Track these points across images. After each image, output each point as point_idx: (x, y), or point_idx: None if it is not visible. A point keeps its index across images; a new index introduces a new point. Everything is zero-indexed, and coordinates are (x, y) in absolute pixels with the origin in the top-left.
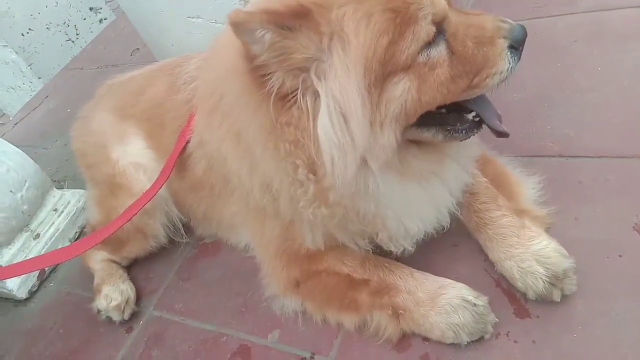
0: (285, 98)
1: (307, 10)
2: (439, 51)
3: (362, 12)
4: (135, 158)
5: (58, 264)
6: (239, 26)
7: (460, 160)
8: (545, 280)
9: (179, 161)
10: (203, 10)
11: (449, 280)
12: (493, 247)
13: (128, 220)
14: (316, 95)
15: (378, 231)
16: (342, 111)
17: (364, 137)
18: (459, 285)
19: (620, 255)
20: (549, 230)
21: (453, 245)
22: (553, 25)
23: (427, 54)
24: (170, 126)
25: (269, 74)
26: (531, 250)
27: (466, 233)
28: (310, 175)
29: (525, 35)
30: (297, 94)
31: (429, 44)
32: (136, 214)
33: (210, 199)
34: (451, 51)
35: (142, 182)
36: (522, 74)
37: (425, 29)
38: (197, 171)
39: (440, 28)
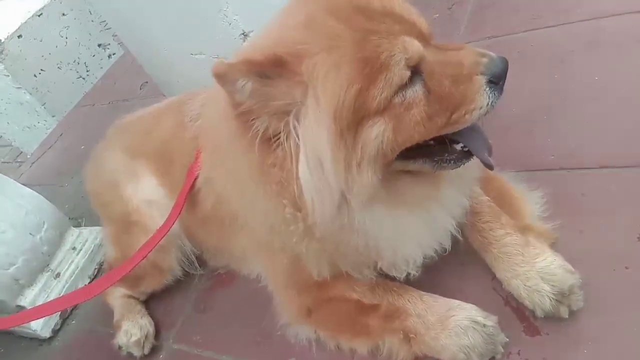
0: (270, 140)
1: (283, 60)
2: (415, 91)
3: (330, 62)
4: (148, 195)
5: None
6: (221, 77)
7: (459, 183)
8: (552, 297)
9: (189, 197)
10: (205, 46)
11: (457, 302)
12: (499, 266)
13: (144, 258)
14: (297, 138)
15: (376, 260)
16: (317, 155)
17: (339, 180)
18: (468, 306)
19: (626, 267)
20: (554, 244)
21: (461, 264)
22: (550, 36)
23: (403, 95)
24: (179, 163)
25: (253, 119)
26: (536, 268)
27: (473, 252)
28: (297, 213)
29: (504, 69)
30: (280, 136)
31: (404, 86)
32: (152, 250)
33: (221, 232)
34: (428, 90)
35: (155, 218)
36: (520, 87)
37: (399, 74)
38: (207, 206)
39: (416, 70)
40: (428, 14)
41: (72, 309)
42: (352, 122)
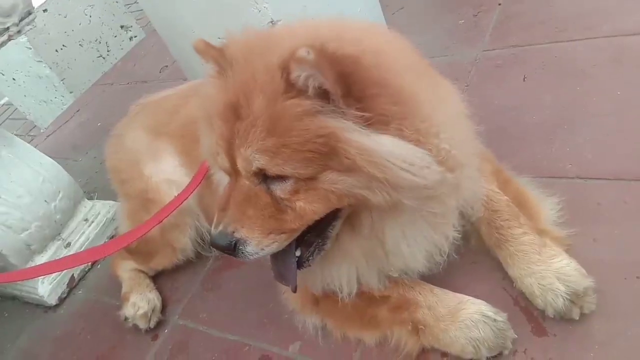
0: None
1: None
2: None
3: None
4: (168, 175)
5: (94, 263)
6: (199, 53)
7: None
8: (566, 297)
9: (209, 176)
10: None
11: (468, 297)
12: (514, 263)
13: (159, 222)
14: None
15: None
16: None
17: None
18: (478, 301)
19: (638, 277)
20: (568, 251)
21: (472, 263)
22: (573, 49)
23: None
24: None
25: None
26: (552, 268)
27: (484, 251)
28: None
29: (212, 245)
30: None
31: None
32: (169, 215)
33: None
34: None
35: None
36: (542, 97)
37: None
38: None
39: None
40: (453, 19)
41: (80, 279)
42: None
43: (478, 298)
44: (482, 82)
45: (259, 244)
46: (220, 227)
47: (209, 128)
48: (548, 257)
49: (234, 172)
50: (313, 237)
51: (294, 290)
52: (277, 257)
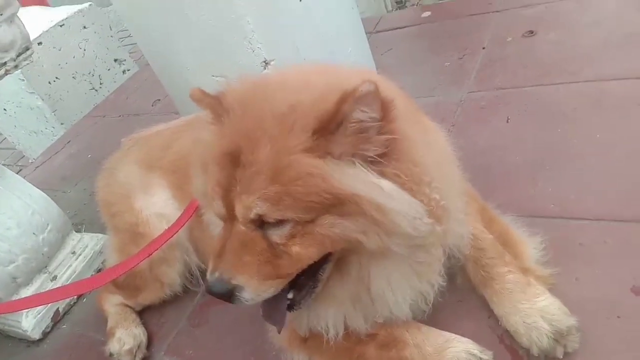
0: None
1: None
2: None
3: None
4: (159, 208)
5: (80, 296)
6: (196, 102)
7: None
8: (550, 336)
9: (198, 210)
10: (227, 70)
11: (454, 335)
12: (499, 301)
13: (149, 255)
14: None
15: None
16: None
17: None
18: (465, 339)
19: (618, 317)
20: (551, 290)
21: (458, 301)
22: (556, 92)
23: None
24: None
25: None
26: (537, 307)
27: (470, 289)
28: None
29: (208, 292)
30: None
31: None
32: (158, 248)
33: None
34: None
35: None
36: (525, 138)
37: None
38: None
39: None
40: (440, 61)
41: (65, 313)
42: None
43: (464, 336)
44: (467, 122)
45: (255, 290)
46: (217, 274)
47: (202, 171)
48: (532, 296)
49: (229, 218)
50: (305, 280)
51: (279, 332)
52: (265, 302)
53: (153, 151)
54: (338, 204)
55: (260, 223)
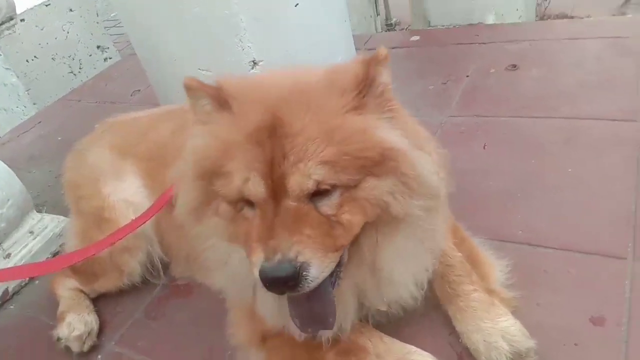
0: None
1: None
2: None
3: None
4: (128, 195)
5: (33, 278)
6: (190, 90)
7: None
8: (509, 356)
9: (170, 201)
10: (214, 65)
11: (416, 348)
12: (462, 318)
13: (113, 244)
14: None
15: None
16: None
17: None
18: (426, 353)
19: (575, 344)
20: (513, 312)
21: (421, 315)
22: (532, 125)
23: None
24: (170, 167)
25: None
26: (499, 327)
27: (434, 305)
28: None
29: (270, 281)
30: None
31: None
32: (122, 238)
33: None
34: None
35: (129, 219)
36: (500, 165)
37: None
38: None
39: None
40: (424, 84)
41: (14, 293)
42: None
43: (424, 350)
44: (446, 144)
45: (320, 266)
46: (279, 256)
47: (194, 182)
48: (495, 316)
49: (271, 197)
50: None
51: (331, 329)
52: (309, 294)
53: (128, 137)
54: (380, 161)
55: (311, 196)
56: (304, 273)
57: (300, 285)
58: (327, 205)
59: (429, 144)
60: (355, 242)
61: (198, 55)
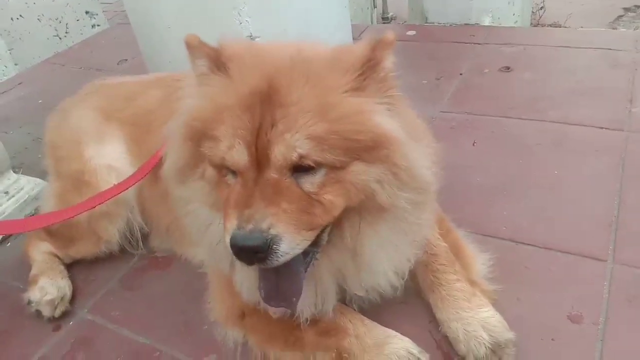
0: None
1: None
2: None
3: None
4: (110, 160)
5: (4, 239)
6: (191, 48)
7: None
8: (488, 346)
9: (155, 169)
10: (209, 37)
11: (396, 333)
12: (443, 307)
13: (92, 207)
14: None
15: None
16: None
17: None
18: (406, 339)
19: (552, 339)
20: (493, 305)
21: (401, 303)
22: (522, 126)
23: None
24: (156, 134)
25: None
26: (479, 317)
27: (415, 293)
28: None
29: (238, 249)
30: None
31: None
32: (103, 202)
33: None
34: None
35: (110, 184)
36: (487, 162)
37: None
38: None
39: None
40: (418, 79)
41: None
42: None
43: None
44: (436, 139)
45: (292, 242)
46: (250, 225)
47: (183, 143)
48: (476, 306)
49: (253, 166)
50: (310, 246)
51: (294, 311)
52: (278, 269)
53: (115, 101)
54: (372, 147)
55: (293, 170)
56: (274, 246)
57: (269, 258)
58: (310, 183)
59: (426, 138)
60: (338, 226)
61: (193, 25)
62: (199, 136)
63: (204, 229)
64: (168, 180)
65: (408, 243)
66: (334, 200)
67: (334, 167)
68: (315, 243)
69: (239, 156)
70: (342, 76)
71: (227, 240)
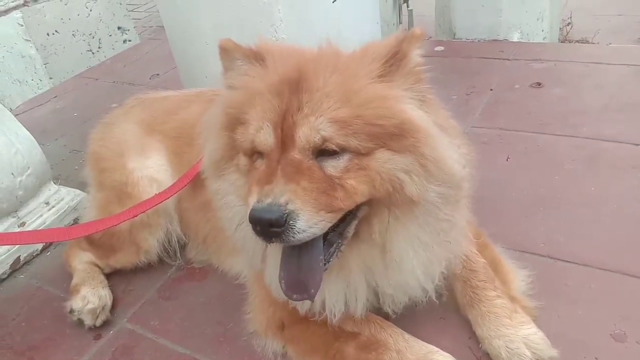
0: None
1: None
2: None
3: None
4: (153, 172)
5: (45, 248)
6: (225, 51)
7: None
8: None
9: (195, 179)
10: None
11: (437, 349)
12: (484, 323)
13: (133, 217)
14: None
15: None
16: None
17: None
18: (447, 354)
19: (596, 358)
20: (534, 322)
21: (440, 318)
22: (555, 142)
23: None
24: (197, 146)
25: None
26: (521, 334)
27: (454, 308)
28: None
29: (256, 221)
30: None
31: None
32: (144, 212)
33: (217, 221)
34: None
35: (151, 195)
36: (522, 178)
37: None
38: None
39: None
40: (447, 93)
41: (24, 263)
42: None
43: None
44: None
45: (309, 220)
46: (270, 199)
47: (218, 135)
48: (518, 323)
49: (279, 147)
50: (335, 236)
51: (312, 300)
52: (300, 256)
53: (157, 114)
54: (398, 135)
55: (318, 153)
56: (291, 222)
57: (286, 234)
58: (333, 167)
59: (459, 137)
60: (367, 221)
61: (230, 37)
62: (234, 123)
63: (238, 222)
64: (206, 174)
65: (439, 243)
66: (357, 186)
67: (358, 153)
68: (341, 234)
69: (265, 137)
70: (368, 65)
71: (248, 215)
